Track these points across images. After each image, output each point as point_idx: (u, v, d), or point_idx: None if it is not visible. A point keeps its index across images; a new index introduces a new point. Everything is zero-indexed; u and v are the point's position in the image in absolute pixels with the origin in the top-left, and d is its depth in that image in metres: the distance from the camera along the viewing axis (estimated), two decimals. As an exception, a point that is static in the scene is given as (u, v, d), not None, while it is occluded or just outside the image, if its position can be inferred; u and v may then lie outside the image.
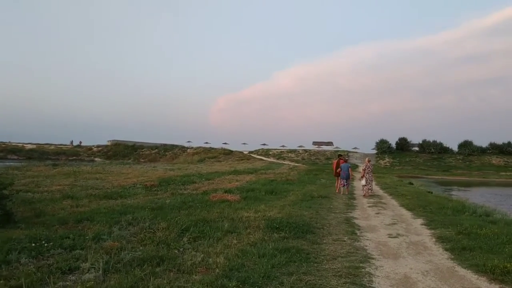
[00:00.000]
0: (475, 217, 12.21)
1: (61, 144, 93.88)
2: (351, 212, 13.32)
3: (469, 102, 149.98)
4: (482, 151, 79.20)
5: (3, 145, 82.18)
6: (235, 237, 8.13)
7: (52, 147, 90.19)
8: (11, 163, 41.33)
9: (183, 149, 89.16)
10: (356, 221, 11.53)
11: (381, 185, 28.59)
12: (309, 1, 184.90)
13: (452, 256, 7.40)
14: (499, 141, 79.92)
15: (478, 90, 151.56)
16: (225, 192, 17.92)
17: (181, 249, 7.10)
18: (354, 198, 18.10)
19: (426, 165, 73.51)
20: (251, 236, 8.25)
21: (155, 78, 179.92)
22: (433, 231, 10.07)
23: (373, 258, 7.18)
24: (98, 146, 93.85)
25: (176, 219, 9.30)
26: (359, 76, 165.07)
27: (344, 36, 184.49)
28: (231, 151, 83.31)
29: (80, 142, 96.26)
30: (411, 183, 30.90)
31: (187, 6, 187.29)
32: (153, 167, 47.05)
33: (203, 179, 27.05)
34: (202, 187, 21.30)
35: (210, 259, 6.42)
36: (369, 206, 15.31)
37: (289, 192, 18.85)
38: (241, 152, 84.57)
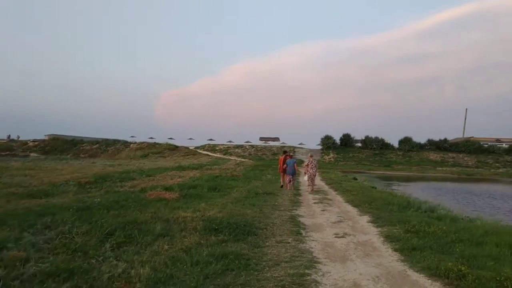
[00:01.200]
0: (421, 213, 12.00)
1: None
2: (296, 210, 12.73)
3: (408, 101, 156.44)
4: (420, 147, 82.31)
5: None
6: (167, 242, 7.19)
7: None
8: None
9: (126, 144, 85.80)
10: (301, 219, 10.92)
11: (326, 180, 28.51)
12: (251, 1, 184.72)
13: (402, 258, 6.90)
14: (436, 137, 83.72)
15: (415, 90, 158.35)
16: (165, 189, 16.86)
17: (101, 258, 6.07)
18: (299, 195, 17.62)
19: (368, 160, 75.35)
20: (186, 240, 7.35)
21: (99, 71, 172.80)
22: (380, 229, 9.64)
23: (319, 263, 6.53)
24: (34, 141, 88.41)
25: (102, 221, 8.21)
26: (305, 74, 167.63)
27: (291, 34, 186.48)
28: (177, 147, 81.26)
29: (18, 137, 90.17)
30: (355, 179, 31.13)
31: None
32: (92, 162, 44.69)
33: (144, 176, 25.70)
34: (141, 184, 20.03)
35: (133, 270, 5.47)
36: (314, 203, 14.83)
37: (233, 188, 18.05)
38: (187, 148, 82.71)
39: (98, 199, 12.03)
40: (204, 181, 21.76)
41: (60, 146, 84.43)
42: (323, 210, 12.88)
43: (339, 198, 16.72)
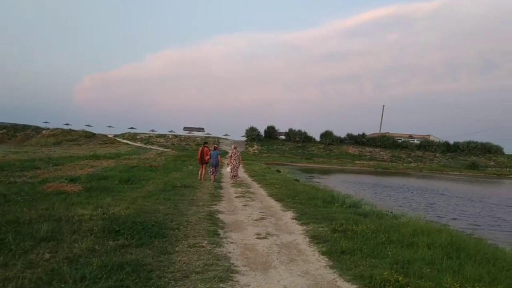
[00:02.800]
0: (346, 209, 11.49)
1: None
2: (216, 205, 11.67)
3: (330, 96, 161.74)
4: (340, 141, 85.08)
5: None
6: (50, 248, 5.78)
7: None
8: None
9: (37, 130, 79.26)
10: (220, 216, 9.88)
11: (250, 172, 27.80)
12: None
13: (331, 263, 6.09)
14: (355, 132, 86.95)
15: (338, 86, 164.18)
16: (70, 180, 15.09)
17: None
18: (221, 188, 16.59)
19: (291, 153, 76.36)
20: (76, 245, 5.98)
21: (11, 51, 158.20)
22: (305, 227, 8.88)
23: (237, 272, 5.52)
24: None
25: (-30, 222, 6.56)
26: (232, 65, 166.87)
27: (220, 25, 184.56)
28: (94, 134, 76.59)
29: None
30: (278, 171, 30.77)
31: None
32: (-6, 149, 40.38)
33: (50, 165, 23.34)
34: (44, 174, 17.94)
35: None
36: (236, 197, 13.88)
37: (150, 180, 16.58)
38: (106, 136, 78.32)
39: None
40: (118, 172, 20.02)
41: (-42, 130, 76.10)
42: (245, 205, 11.95)
43: (262, 192, 15.93)
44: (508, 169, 76.00)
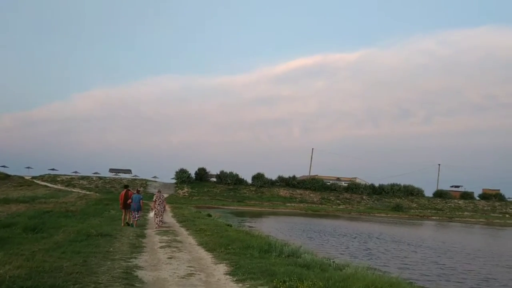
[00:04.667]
0: (285, 259, 10.31)
1: None
2: (136, 258, 9.97)
3: (260, 139, 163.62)
4: (272, 183, 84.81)
5: None
6: None
7: None
8: None
9: None
10: (140, 272, 8.27)
11: (178, 217, 25.94)
12: (114, 26, 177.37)
13: None
14: (286, 174, 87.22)
15: (268, 129, 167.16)
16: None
17: None
18: (144, 236, 14.77)
19: (223, 195, 74.69)
20: None
21: None
22: (241, 285, 7.53)
23: None
24: None
25: None
26: (163, 107, 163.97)
27: (151, 66, 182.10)
28: (8, 176, 70.31)
29: None
30: (209, 215, 29.12)
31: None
32: None
33: None
34: None
35: None
36: (160, 247, 12.19)
37: (61, 228, 14.41)
38: (22, 177, 72.21)
39: None
40: (25, 218, 17.51)
41: None
42: (170, 258, 10.35)
43: (191, 240, 14.33)
44: (429, 211, 79.65)
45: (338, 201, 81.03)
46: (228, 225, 21.79)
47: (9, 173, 73.22)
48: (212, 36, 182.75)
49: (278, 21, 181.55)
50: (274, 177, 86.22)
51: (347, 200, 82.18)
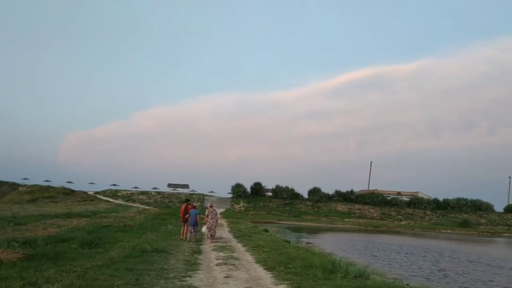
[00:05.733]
0: (352, 281, 9.28)
1: None
2: (191, 276, 9.35)
3: (314, 153, 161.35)
4: (329, 198, 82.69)
5: None
6: None
7: None
8: None
9: (14, 186, 75.84)
10: (195, 293, 7.61)
11: (235, 232, 25.31)
12: (171, 46, 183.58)
13: None
14: (343, 189, 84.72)
15: (322, 143, 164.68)
16: (24, 243, 12.82)
17: None
18: (200, 252, 14.19)
19: (279, 210, 73.66)
20: None
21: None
22: (306, 311, 6.67)
23: None
24: None
25: None
26: (218, 123, 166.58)
27: (206, 84, 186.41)
28: (73, 191, 73.34)
29: None
30: (266, 230, 28.24)
31: (36, 28, 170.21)
32: (-42, 207, 37.39)
33: (12, 224, 20.86)
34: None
35: None
36: (217, 264, 11.52)
37: (117, 243, 14.20)
38: (85, 193, 75.09)
39: None
40: (84, 233, 17.76)
41: None
42: (227, 277, 9.63)
43: (248, 257, 13.56)
44: (500, 227, 74.13)
45: (399, 217, 77.41)
46: (286, 241, 20.89)
47: (74, 188, 76.44)
48: (264, 53, 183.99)
49: (329, 34, 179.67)
50: (330, 191, 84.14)
51: (409, 216, 78.32)
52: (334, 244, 29.03)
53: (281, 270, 10.55)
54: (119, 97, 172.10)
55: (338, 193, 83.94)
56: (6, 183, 77.63)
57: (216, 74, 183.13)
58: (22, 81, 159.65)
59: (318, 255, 14.00)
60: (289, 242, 20.71)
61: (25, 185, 76.58)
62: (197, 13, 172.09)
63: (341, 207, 79.50)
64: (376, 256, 22.61)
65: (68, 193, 71.30)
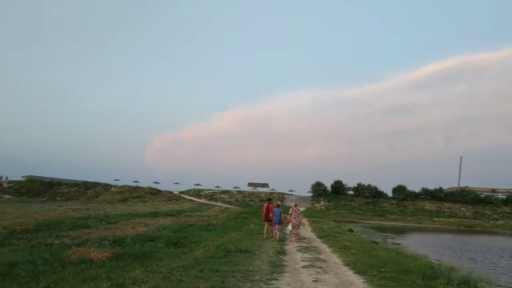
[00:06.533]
0: (457, 289, 8.24)
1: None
2: (277, 279, 8.87)
3: (397, 149, 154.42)
4: (415, 196, 78.46)
5: None
6: None
7: (-46, 182, 79.51)
8: None
9: (106, 187, 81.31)
10: (283, 299, 7.11)
11: (318, 232, 24.57)
12: (247, 49, 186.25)
13: None
14: (430, 186, 79.99)
15: (405, 139, 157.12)
16: (113, 242, 13.25)
17: None
18: (284, 253, 13.70)
19: (361, 209, 71.34)
20: None
21: (86, 112, 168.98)
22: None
23: None
24: (9, 182, 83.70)
25: None
26: (295, 121, 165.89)
27: (281, 83, 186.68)
28: (159, 191, 76.85)
29: (7, 178, 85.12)
30: (351, 230, 27.13)
31: (127, 38, 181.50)
32: (59, 206, 40.48)
33: (104, 223, 21.94)
34: (89, 234, 16.39)
35: None
36: (303, 267, 10.93)
37: (201, 243, 14.18)
38: (171, 192, 78.38)
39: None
40: (170, 232, 18.19)
41: (37, 188, 79.77)
42: (316, 281, 9.01)
43: (335, 259, 12.82)
44: None
45: (495, 216, 71.35)
46: (373, 242, 19.77)
47: (160, 188, 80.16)
48: (339, 49, 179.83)
49: (407, 24, 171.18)
50: (416, 189, 79.78)
51: (507, 215, 71.85)
52: (425, 245, 27.14)
53: (374, 275, 9.72)
54: (201, 100, 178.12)
55: (425, 191, 79.40)
56: (99, 184, 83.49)
57: (291, 72, 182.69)
58: (118, 88, 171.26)
59: (412, 258, 12.90)
60: (377, 243, 19.55)
61: (116, 186, 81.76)
62: (271, 12, 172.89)
63: (428, 205, 75.15)
64: (475, 259, 20.59)
65: (155, 193, 74.79)
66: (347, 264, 11.70)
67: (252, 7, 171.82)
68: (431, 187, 79.63)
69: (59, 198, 72.35)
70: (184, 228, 20.79)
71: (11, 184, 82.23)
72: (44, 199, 68.18)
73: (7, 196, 71.32)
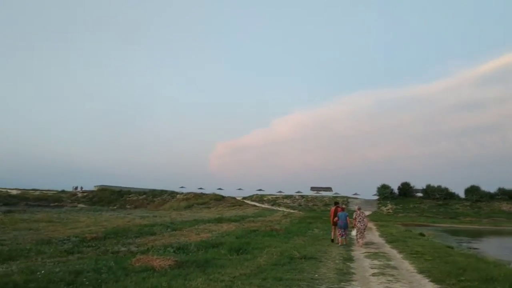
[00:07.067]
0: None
1: (49, 190, 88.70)
2: (345, 289, 8.31)
3: (467, 148, 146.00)
4: (490, 196, 73.46)
5: (-21, 191, 78.18)
6: None
7: (37, 192, 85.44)
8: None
9: (172, 194, 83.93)
10: (352, 311, 6.55)
11: (387, 236, 23.37)
12: (305, 50, 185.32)
13: None
14: (507, 186, 74.38)
15: (475, 136, 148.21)
16: (178, 249, 13.35)
17: None
18: (351, 259, 12.99)
19: (431, 212, 67.89)
20: None
21: (152, 122, 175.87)
22: None
23: None
24: (83, 192, 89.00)
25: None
26: (357, 123, 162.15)
27: (342, 84, 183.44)
28: (223, 197, 77.93)
29: (81, 188, 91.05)
30: (422, 234, 25.58)
31: (186, 50, 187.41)
32: (128, 214, 42.06)
33: (169, 229, 22.33)
34: (154, 241, 16.64)
35: None
36: (373, 275, 10.21)
37: (265, 249, 13.83)
38: (234, 198, 79.22)
39: (43, 270, 8.29)
40: (233, 238, 18.05)
41: (108, 197, 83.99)
42: (388, 290, 8.35)
43: (407, 266, 11.92)
44: None
45: None
46: (448, 246, 18.42)
47: (224, 194, 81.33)
48: (398, 47, 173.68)
49: (472, 16, 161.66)
50: (492, 189, 74.63)
51: None
52: (506, 250, 25.01)
53: (453, 284, 8.84)
54: (261, 106, 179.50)
55: (502, 191, 74.05)
56: (166, 191, 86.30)
57: (350, 73, 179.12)
58: (182, 99, 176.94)
59: (495, 265, 11.72)
60: (452, 247, 18.20)
61: (182, 193, 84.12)
62: (327, 13, 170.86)
63: (506, 206, 70.13)
64: None
65: (219, 199, 75.92)
66: (421, 271, 10.80)
67: (307, 8, 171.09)
68: (508, 187, 74.12)
69: (128, 206, 75.46)
70: (247, 234, 20.63)
71: (85, 194, 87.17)
72: (115, 207, 71.33)
73: (81, 205, 75.57)
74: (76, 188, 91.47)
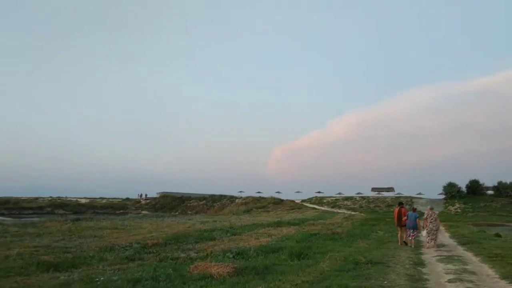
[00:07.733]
0: None
1: (115, 198, 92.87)
2: (419, 298, 7.51)
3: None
4: None
5: (52, 200, 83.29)
6: None
7: (104, 201, 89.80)
8: (33, 219, 38.15)
9: (231, 199, 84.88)
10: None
11: (458, 237, 21.81)
12: (361, 47, 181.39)
13: None
14: None
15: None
16: (237, 254, 13.03)
17: None
18: (422, 263, 12.00)
19: (505, 210, 63.42)
20: None
21: (216, 138, 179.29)
22: None
23: None
24: (147, 199, 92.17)
25: None
26: (418, 120, 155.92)
27: (397, 80, 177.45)
28: (282, 200, 77.51)
29: (146, 195, 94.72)
30: (498, 235, 23.58)
31: (243, 56, 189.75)
32: (188, 219, 42.58)
33: (228, 234, 22.15)
34: (214, 246, 16.47)
35: None
36: (449, 281, 9.24)
37: (327, 253, 13.16)
38: (293, 201, 78.56)
39: (102, 278, 8.20)
40: (294, 242, 17.56)
41: (169, 204, 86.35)
42: (469, 300, 7.46)
43: (487, 271, 10.79)
44: None
45: None
46: (531, 248, 16.72)
47: (282, 197, 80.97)
48: (457, 37, 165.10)
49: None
50: None
51: None
52: None
53: (545, 291, 7.78)
54: (316, 107, 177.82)
55: None
56: (225, 196, 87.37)
57: (408, 67, 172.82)
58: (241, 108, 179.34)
59: None
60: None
61: (241, 198, 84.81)
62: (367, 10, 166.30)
63: None
64: None
65: (277, 202, 75.58)
66: (504, 277, 9.68)
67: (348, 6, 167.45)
68: None
69: (189, 212, 77.11)
70: (307, 237, 20.01)
71: (148, 201, 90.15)
72: (176, 213, 73.07)
73: (144, 212, 78.12)
74: (141, 195, 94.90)
